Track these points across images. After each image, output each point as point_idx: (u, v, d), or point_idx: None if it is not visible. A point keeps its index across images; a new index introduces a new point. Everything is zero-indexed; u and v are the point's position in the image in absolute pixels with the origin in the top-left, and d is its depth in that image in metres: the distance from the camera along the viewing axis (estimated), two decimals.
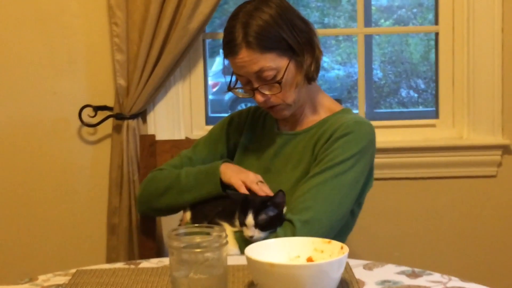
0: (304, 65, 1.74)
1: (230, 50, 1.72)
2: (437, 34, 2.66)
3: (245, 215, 1.60)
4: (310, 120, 1.83)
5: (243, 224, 1.60)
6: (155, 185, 1.89)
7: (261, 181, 1.73)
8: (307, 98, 1.82)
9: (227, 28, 1.74)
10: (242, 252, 1.57)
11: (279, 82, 1.71)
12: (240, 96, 1.84)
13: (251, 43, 1.68)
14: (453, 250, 2.66)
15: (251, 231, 1.59)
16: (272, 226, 1.61)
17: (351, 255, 1.30)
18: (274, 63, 1.70)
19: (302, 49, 1.73)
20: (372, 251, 2.62)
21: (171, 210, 1.93)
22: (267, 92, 1.73)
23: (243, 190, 1.70)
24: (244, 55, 1.69)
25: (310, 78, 1.77)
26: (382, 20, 5.35)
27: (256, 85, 1.73)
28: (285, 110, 1.78)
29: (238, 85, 1.81)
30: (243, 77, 1.75)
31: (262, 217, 1.59)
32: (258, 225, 1.58)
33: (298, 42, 1.72)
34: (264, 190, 1.70)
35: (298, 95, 1.77)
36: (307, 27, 1.76)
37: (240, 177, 1.73)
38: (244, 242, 1.59)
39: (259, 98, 1.74)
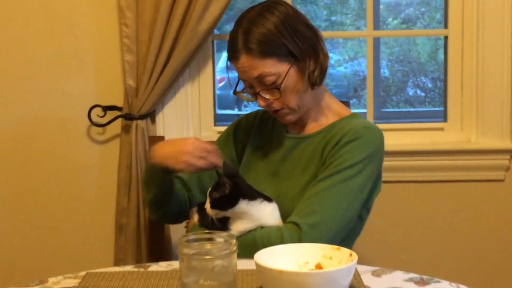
0: (307, 71, 1.75)
1: (232, 55, 1.75)
2: (446, 38, 2.65)
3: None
4: (319, 124, 1.84)
5: None
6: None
7: (208, 151, 1.72)
8: (314, 102, 1.83)
9: (231, 33, 1.76)
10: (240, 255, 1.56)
11: (278, 88, 1.72)
12: (245, 99, 1.88)
13: (250, 49, 1.70)
14: (460, 254, 2.66)
15: (207, 204, 1.64)
16: (221, 206, 1.62)
17: (357, 258, 1.31)
18: (274, 68, 1.71)
19: (304, 55, 1.74)
20: (379, 254, 2.62)
21: (160, 209, 1.91)
22: (267, 97, 1.75)
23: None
24: (244, 60, 1.72)
25: (314, 83, 1.77)
26: (390, 19, 5.36)
27: (257, 89, 1.75)
28: (290, 114, 1.79)
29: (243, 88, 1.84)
30: (246, 81, 1.78)
31: (213, 194, 1.63)
32: (210, 201, 1.63)
33: (300, 48, 1.73)
34: (209, 159, 1.71)
35: (302, 100, 1.78)
36: (312, 33, 1.76)
37: (179, 161, 1.71)
38: (242, 246, 1.58)
39: (261, 102, 1.76)
